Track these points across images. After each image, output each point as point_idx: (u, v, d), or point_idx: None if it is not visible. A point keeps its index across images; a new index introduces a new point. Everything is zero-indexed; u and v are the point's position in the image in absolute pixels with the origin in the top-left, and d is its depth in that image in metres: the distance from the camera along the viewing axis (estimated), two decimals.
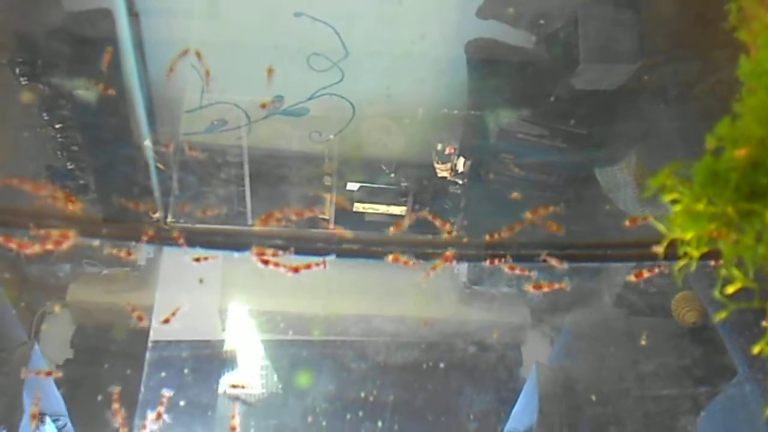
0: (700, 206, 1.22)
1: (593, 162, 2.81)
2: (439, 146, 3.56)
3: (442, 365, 3.50)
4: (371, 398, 3.42)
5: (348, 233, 3.21)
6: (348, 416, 3.35)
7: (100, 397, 2.88)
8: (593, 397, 2.93)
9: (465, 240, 1.90)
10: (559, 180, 3.10)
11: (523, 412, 3.12)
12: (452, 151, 3.51)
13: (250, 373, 3.54)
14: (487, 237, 2.05)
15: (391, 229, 2.30)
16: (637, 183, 2.67)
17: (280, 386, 3.55)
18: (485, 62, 3.01)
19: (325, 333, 3.63)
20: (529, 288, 2.41)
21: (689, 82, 2.32)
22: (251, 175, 3.58)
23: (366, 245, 1.74)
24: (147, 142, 3.30)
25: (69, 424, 3.11)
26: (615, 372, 3.05)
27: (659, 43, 2.56)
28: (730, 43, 1.44)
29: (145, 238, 2.18)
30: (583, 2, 2.97)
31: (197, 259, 1.93)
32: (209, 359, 3.39)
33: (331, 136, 3.56)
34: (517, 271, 1.96)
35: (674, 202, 1.28)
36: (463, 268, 3.77)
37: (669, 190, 1.27)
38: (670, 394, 2.87)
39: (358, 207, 3.83)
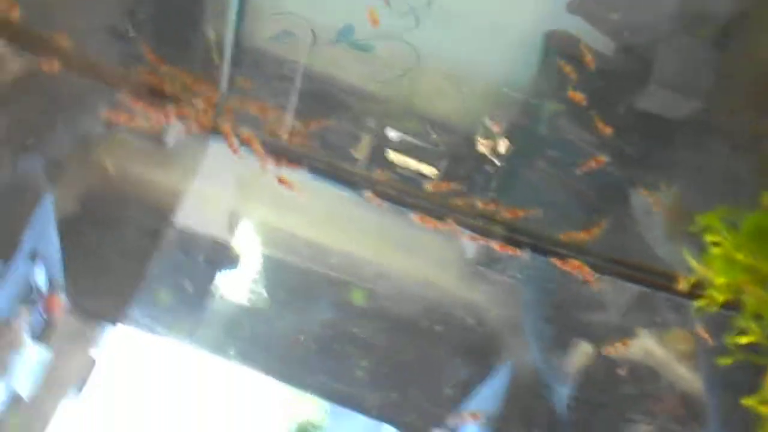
0: (740, 256, 1.24)
1: (632, 184, 2.82)
2: (488, 122, 3.56)
3: (437, 328, 3.56)
4: (362, 337, 3.49)
5: (384, 175, 3.24)
6: (335, 346, 3.43)
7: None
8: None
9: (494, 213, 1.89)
10: (592, 190, 3.11)
11: (489, 397, 3.19)
12: (499, 129, 3.52)
13: (253, 280, 3.61)
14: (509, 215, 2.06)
15: (428, 186, 2.31)
16: (668, 216, 2.68)
17: (279, 301, 3.62)
18: (561, 56, 3.00)
19: (333, 267, 3.68)
20: None
21: (760, 134, 2.32)
22: (299, 94, 3.59)
23: (400, 194, 1.75)
24: (211, 32, 3.32)
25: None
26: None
27: (739, 87, 2.54)
28: None
29: (191, 123, 2.21)
30: (672, 28, 2.96)
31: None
32: (219, 256, 3.45)
33: (387, 80, 3.57)
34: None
35: (715, 244, 1.31)
36: (471, 246, 3.80)
37: (713, 231, 1.30)
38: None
39: (391, 156, 3.84)
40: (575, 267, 1.71)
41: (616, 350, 2.91)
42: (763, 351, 1.29)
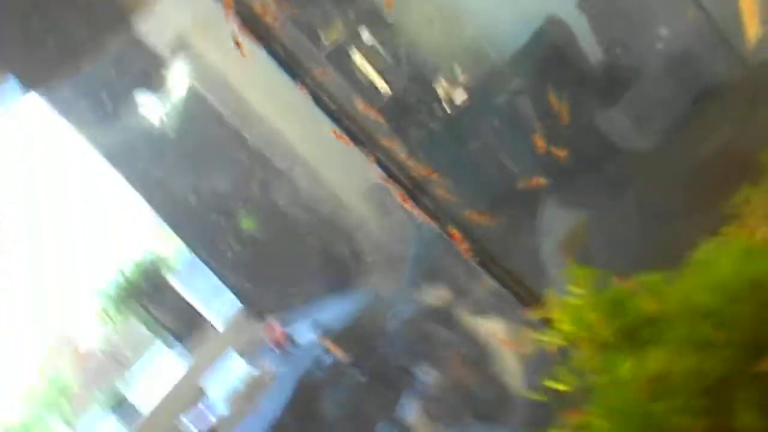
0: (590, 316, 1.31)
1: (550, 194, 2.87)
2: (457, 68, 3.54)
3: (317, 241, 3.60)
4: (257, 199, 3.54)
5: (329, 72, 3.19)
6: (220, 220, 3.46)
7: None
8: None
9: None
10: (512, 181, 3.14)
11: (336, 313, 3.28)
12: (463, 81, 3.51)
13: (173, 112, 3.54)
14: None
15: (359, 104, 2.26)
16: (566, 242, 2.74)
17: (185, 152, 3.58)
18: (550, 43, 2.99)
19: (253, 135, 3.65)
20: None
21: (693, 209, 2.35)
22: None
23: (328, 97, 1.72)
24: None
25: None
26: None
27: (694, 152, 2.57)
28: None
29: None
30: (661, 65, 2.97)
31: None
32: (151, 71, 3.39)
33: None
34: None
35: (576, 293, 1.37)
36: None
37: (579, 283, 1.36)
38: None
39: (354, 55, 3.78)
40: (459, 240, 1.75)
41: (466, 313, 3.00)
42: (568, 400, 1.38)
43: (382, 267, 3.59)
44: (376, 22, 3.65)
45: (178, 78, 3.59)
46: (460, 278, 2.89)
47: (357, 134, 1.73)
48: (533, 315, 1.54)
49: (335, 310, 3.34)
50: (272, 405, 3.03)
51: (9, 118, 3.58)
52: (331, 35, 3.74)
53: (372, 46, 3.64)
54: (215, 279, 3.75)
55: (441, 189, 1.89)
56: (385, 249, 3.62)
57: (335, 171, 3.70)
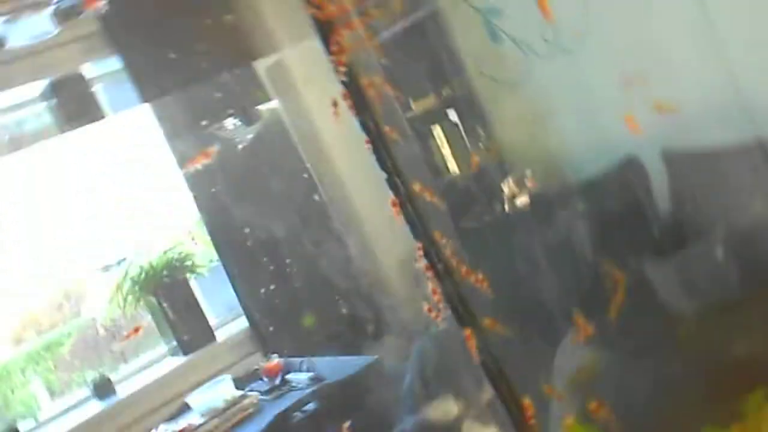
0: None
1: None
2: (528, 173, 3.57)
3: None
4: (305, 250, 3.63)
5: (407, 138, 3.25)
6: None
7: None
8: None
9: None
10: (547, 301, 3.12)
11: (335, 367, 3.27)
12: (531, 187, 3.53)
13: None
14: None
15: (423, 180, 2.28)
16: (572, 378, 2.70)
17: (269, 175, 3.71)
18: (623, 180, 3.01)
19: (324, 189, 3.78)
20: None
21: None
22: None
23: (400, 174, 1.75)
24: None
25: None
26: None
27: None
28: None
29: None
30: (725, 235, 2.96)
31: None
32: None
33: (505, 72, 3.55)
34: None
35: None
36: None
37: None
38: None
39: (436, 131, 3.86)
40: (472, 343, 1.75)
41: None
42: None
43: (396, 339, 3.58)
44: (467, 106, 3.72)
45: (272, 117, 3.72)
46: (466, 385, 2.87)
47: (412, 215, 1.74)
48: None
49: (336, 364, 3.34)
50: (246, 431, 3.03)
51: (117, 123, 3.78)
52: (421, 105, 3.82)
53: (455, 126, 3.70)
54: (235, 298, 3.79)
55: (474, 287, 1.90)
56: (404, 323, 3.63)
57: (384, 243, 3.77)
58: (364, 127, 1.64)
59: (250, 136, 3.77)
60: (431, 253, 1.69)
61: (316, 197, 3.88)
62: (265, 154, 3.84)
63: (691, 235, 2.99)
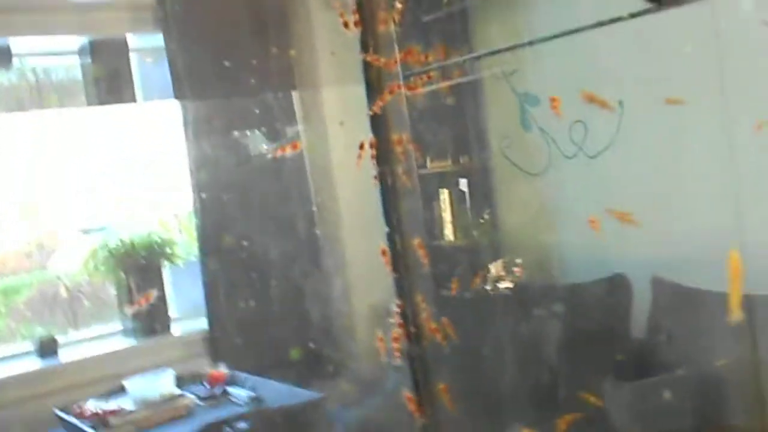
0: None
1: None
2: (519, 262, 3.60)
3: None
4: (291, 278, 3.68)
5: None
6: None
7: None
8: None
9: None
10: (502, 388, 3.12)
11: (279, 393, 3.24)
12: (517, 275, 3.56)
13: None
14: None
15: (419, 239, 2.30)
16: None
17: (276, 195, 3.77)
18: (606, 295, 3.03)
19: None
20: None
21: None
22: None
23: (398, 224, 1.77)
24: None
25: None
26: None
27: None
28: None
29: None
30: (690, 375, 2.97)
31: None
32: None
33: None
34: None
35: None
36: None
37: None
38: None
39: (443, 195, 3.89)
40: (416, 409, 1.75)
41: None
42: None
43: (348, 385, 3.57)
44: (480, 180, 3.77)
45: (294, 141, 3.78)
46: None
47: (402, 270, 1.75)
48: None
49: (280, 390, 3.31)
50: None
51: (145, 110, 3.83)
52: (436, 165, 3.86)
53: (463, 195, 3.74)
54: (202, 299, 3.78)
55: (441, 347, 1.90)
56: (360, 373, 3.63)
57: (362, 291, 3.80)
58: (382, 177, 1.66)
59: (269, 155, 3.82)
60: (408, 314, 1.70)
61: (317, 231, 3.93)
62: (278, 175, 3.88)
63: (656, 366, 3.00)
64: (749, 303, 2.26)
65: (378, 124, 1.63)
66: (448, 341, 1.90)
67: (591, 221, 2.72)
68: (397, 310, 1.69)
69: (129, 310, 3.78)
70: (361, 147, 1.67)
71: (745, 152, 2.55)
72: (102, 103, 3.73)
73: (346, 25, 1.70)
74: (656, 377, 2.95)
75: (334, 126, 3.86)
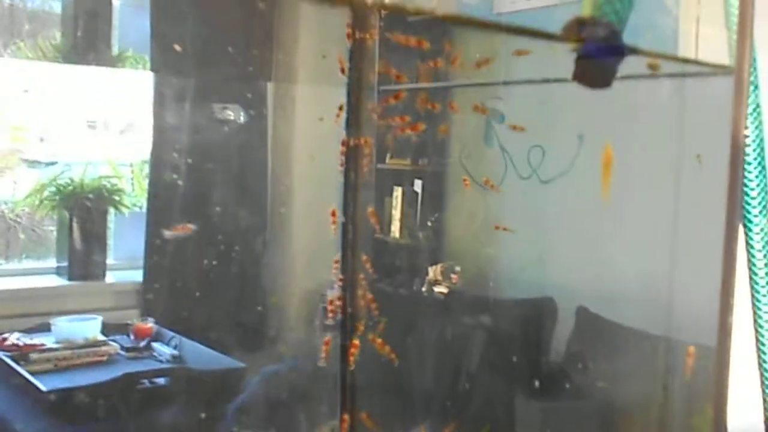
0: None
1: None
2: (457, 269, 3.70)
3: None
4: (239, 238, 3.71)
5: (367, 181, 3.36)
6: None
7: None
8: None
9: None
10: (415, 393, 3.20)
11: (201, 355, 3.27)
12: (453, 282, 3.65)
13: None
14: None
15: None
16: None
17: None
18: (534, 314, 3.13)
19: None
20: None
21: None
22: None
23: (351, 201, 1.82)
24: None
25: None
26: None
27: None
28: None
29: None
30: (595, 404, 3.09)
31: None
32: None
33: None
34: None
35: None
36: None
37: None
38: None
39: (397, 192, 3.96)
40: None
41: None
42: None
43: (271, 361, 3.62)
44: (434, 184, 3.84)
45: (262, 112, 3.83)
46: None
47: (346, 242, 1.79)
48: None
49: (204, 354, 3.34)
50: (88, 376, 3.00)
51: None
52: (395, 162, 3.93)
53: (415, 196, 3.81)
54: (141, 251, 3.79)
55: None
56: (288, 350, 3.69)
57: (301, 271, 3.86)
58: (347, 172, 1.70)
59: (236, 123, 3.85)
60: (347, 265, 1.74)
61: (268, 206, 3.98)
62: (240, 149, 3.92)
63: (568, 391, 3.12)
64: (668, 347, 2.38)
65: (351, 126, 1.69)
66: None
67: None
68: (336, 265, 1.74)
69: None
70: (340, 109, 1.70)
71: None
72: (75, 43, 3.70)
73: None
74: (566, 402, 3.07)
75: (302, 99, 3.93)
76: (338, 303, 1.68)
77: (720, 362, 1.39)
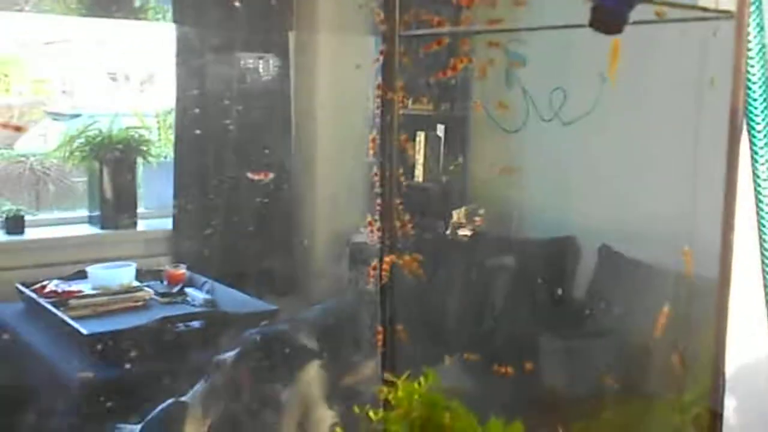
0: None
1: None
2: (481, 212, 3.75)
3: None
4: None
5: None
6: None
7: None
8: None
9: None
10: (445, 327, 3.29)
11: (233, 297, 3.36)
12: (477, 224, 3.71)
13: None
14: None
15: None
16: None
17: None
18: (557, 253, 3.17)
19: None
20: None
21: None
22: None
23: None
24: None
25: None
26: None
27: None
28: None
29: None
30: (618, 338, 3.16)
31: None
32: None
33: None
34: None
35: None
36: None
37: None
38: None
39: (420, 137, 4.00)
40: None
41: None
42: None
43: (300, 304, 3.70)
44: (457, 128, 3.87)
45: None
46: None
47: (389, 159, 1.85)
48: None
49: (237, 298, 3.43)
50: (126, 320, 3.11)
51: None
52: (417, 107, 3.96)
53: (438, 140, 3.85)
54: (171, 200, 3.87)
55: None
56: (318, 292, 3.77)
57: (331, 217, 3.92)
58: (383, 115, 1.75)
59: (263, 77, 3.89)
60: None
61: (293, 152, 4.04)
62: (263, 96, 3.96)
63: (591, 329, 3.19)
64: (690, 286, 2.42)
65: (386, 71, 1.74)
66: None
67: None
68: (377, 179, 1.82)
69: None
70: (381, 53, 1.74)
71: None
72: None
73: None
74: (589, 339, 3.15)
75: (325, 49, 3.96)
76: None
77: (720, 296, 1.45)
